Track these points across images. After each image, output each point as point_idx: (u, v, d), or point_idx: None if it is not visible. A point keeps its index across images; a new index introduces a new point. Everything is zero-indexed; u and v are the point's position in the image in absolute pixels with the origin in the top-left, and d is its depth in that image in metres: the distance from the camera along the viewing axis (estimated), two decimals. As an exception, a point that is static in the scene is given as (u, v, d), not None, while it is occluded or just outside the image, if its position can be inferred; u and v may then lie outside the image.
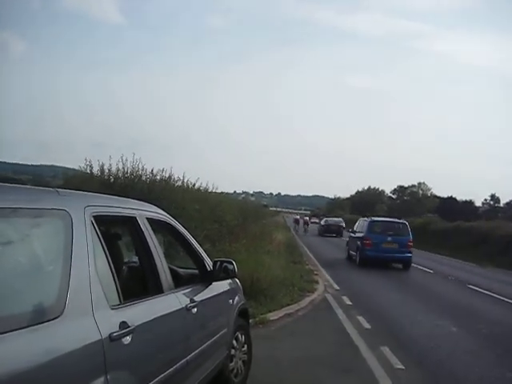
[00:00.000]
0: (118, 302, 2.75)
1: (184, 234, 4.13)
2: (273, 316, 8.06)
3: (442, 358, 6.38)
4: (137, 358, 2.75)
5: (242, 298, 5.05)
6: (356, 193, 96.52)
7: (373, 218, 19.64)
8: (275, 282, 9.82)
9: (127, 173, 12.24)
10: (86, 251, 2.49)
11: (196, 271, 4.34)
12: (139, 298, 3.07)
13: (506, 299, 11.92)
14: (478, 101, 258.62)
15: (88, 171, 12.21)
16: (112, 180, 12.21)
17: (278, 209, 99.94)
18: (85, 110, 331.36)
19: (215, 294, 4.23)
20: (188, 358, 3.46)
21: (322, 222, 45.91)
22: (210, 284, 4.17)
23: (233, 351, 4.58)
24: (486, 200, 73.51)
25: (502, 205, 70.43)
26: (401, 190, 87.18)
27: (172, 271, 3.70)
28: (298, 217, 48.95)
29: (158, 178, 12.86)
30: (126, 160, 12.22)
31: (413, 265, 18.73)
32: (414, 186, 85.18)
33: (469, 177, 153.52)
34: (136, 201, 3.69)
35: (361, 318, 8.45)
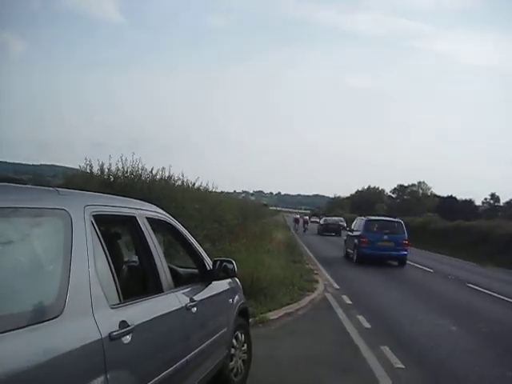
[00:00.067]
0: (118, 302, 2.75)
1: (184, 233, 4.13)
2: (273, 315, 8.07)
3: (442, 357, 6.38)
4: (137, 358, 2.75)
5: (242, 297, 5.05)
6: (356, 192, 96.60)
7: (369, 217, 20.22)
8: (275, 282, 9.82)
9: (127, 172, 12.24)
10: (85, 250, 2.49)
11: (196, 270, 4.34)
12: (139, 297, 3.07)
13: (506, 298, 11.92)
14: (477, 101, 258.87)
15: (88, 171, 12.21)
16: (112, 179, 12.21)
17: (278, 208, 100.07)
18: (85, 110, 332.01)
19: (215, 293, 4.23)
20: (188, 357, 3.46)
21: (321, 222, 46.13)
22: (210, 283, 4.18)
23: (233, 350, 4.58)
24: (485, 199, 73.68)
25: (501, 204, 70.51)
26: (401, 189, 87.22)
27: (172, 271, 3.70)
28: (298, 216, 49.10)
29: (158, 177, 12.87)
30: (126, 159, 12.24)
31: (413, 264, 18.90)
32: (413, 185, 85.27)
33: (469, 177, 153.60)
34: (136, 200, 3.69)
35: (361, 318, 8.46)
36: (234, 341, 4.61)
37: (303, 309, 9.14)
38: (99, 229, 2.73)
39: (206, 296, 3.99)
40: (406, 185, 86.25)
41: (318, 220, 53.62)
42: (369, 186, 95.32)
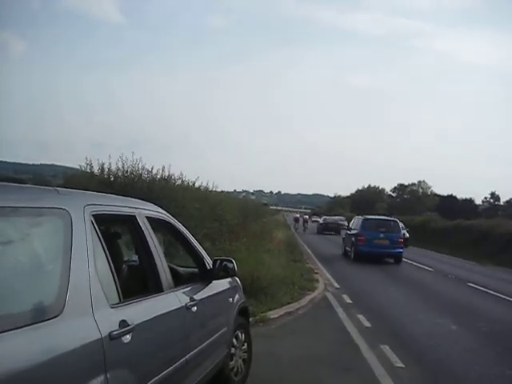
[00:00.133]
0: (118, 301, 2.75)
1: (184, 232, 4.13)
2: (273, 314, 8.07)
3: (442, 356, 6.38)
4: (137, 357, 2.75)
5: (242, 296, 5.05)
6: (356, 191, 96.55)
7: (366, 216, 20.88)
8: (275, 281, 9.82)
9: (127, 172, 12.25)
10: (85, 250, 2.49)
11: (196, 270, 4.34)
12: (139, 296, 3.06)
13: (507, 297, 11.92)
14: (477, 101, 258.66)
15: (88, 170, 12.21)
16: (112, 179, 12.21)
17: (278, 207, 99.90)
18: (85, 110, 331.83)
19: (215, 292, 4.23)
20: (188, 356, 3.46)
21: (321, 221, 46.55)
22: (210, 283, 4.18)
23: (233, 350, 4.58)
24: (485, 198, 73.65)
25: (502, 203, 70.50)
26: (401, 188, 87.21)
27: (172, 270, 3.70)
28: (298, 215, 49.31)
29: (158, 176, 12.87)
30: (126, 159, 12.24)
31: (413, 263, 19.01)
32: (414, 184, 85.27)
33: (469, 176, 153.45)
34: (136, 199, 3.69)
35: (361, 317, 8.46)
36: (234, 340, 4.60)
37: (303, 308, 9.15)
38: (99, 228, 2.73)
39: (206, 295, 3.99)
40: (406, 184, 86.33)
41: (318, 219, 53.64)
42: (369, 186, 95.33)
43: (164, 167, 13.12)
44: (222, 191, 21.99)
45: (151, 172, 12.69)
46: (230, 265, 4.28)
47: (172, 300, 3.40)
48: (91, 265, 2.49)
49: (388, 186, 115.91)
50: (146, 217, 3.43)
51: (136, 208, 3.40)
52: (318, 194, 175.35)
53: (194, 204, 12.65)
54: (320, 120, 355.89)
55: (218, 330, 4.20)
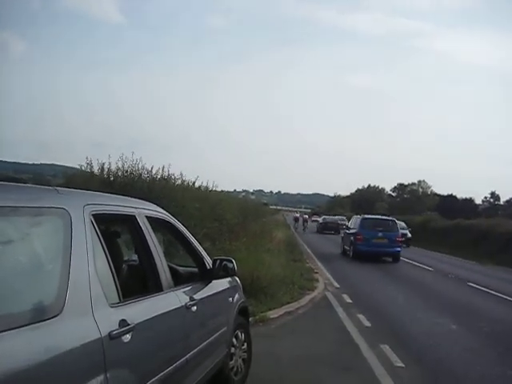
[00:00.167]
0: (118, 301, 2.74)
1: (183, 232, 4.13)
2: (273, 314, 8.07)
3: (442, 356, 6.38)
4: (136, 356, 2.74)
5: (242, 296, 5.05)
6: (356, 191, 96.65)
7: (364, 216, 21.14)
8: (275, 280, 9.82)
9: (127, 171, 12.25)
10: (85, 249, 2.49)
11: (196, 269, 4.33)
12: (139, 296, 3.06)
13: (507, 297, 11.90)
14: (477, 100, 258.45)
15: (88, 170, 12.21)
16: (112, 179, 12.21)
17: (278, 207, 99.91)
18: (85, 110, 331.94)
19: (215, 292, 4.23)
20: (188, 356, 3.45)
21: (321, 220, 46.80)
22: (210, 282, 4.17)
23: (233, 349, 4.58)
24: (485, 198, 73.74)
25: (502, 202, 70.55)
26: (401, 187, 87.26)
27: (171, 269, 3.70)
28: (298, 215, 49.36)
29: (158, 176, 12.87)
30: (126, 159, 12.24)
31: (413, 262, 19.04)
32: (414, 184, 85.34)
33: (469, 176, 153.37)
34: (135, 199, 3.69)
35: (361, 316, 8.45)
36: (234, 340, 4.60)
37: (303, 308, 9.14)
38: (99, 228, 2.73)
39: (205, 295, 3.99)
40: (406, 183, 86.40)
41: (318, 219, 53.67)
42: (369, 185, 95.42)
43: (164, 167, 13.15)
44: (222, 191, 22.02)
45: (151, 172, 12.72)
46: (230, 264, 4.28)
47: (172, 299, 3.39)
48: (91, 264, 2.49)
49: (388, 185, 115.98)
50: (146, 216, 3.43)
51: (136, 208, 3.40)
52: (317, 194, 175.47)
53: (193, 204, 12.65)
54: (320, 120, 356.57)
55: (218, 330, 4.20)
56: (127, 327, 2.63)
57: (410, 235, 29.35)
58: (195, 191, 14.62)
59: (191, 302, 3.62)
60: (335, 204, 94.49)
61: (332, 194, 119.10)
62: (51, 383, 2.10)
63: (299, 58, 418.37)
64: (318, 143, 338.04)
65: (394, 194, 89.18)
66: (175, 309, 3.38)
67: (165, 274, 3.40)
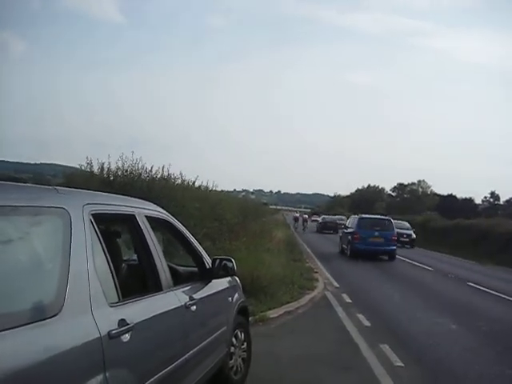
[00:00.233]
0: (117, 300, 2.75)
1: (183, 231, 4.13)
2: (273, 314, 8.07)
3: (442, 355, 6.38)
4: (136, 356, 2.74)
5: (242, 295, 5.05)
6: (356, 191, 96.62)
7: (362, 215, 21.75)
8: (275, 280, 9.82)
9: (127, 171, 12.25)
10: (84, 249, 2.49)
11: (195, 269, 4.34)
12: (138, 295, 3.06)
13: (506, 297, 11.91)
14: (477, 100, 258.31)
15: (88, 170, 12.21)
16: (112, 178, 12.22)
17: (278, 207, 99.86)
18: (85, 109, 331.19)
19: (214, 291, 4.23)
20: (187, 355, 3.46)
21: (320, 220, 46.97)
22: (210, 282, 4.18)
23: (232, 349, 4.58)
24: (485, 198, 73.68)
25: (501, 202, 70.52)
26: (400, 187, 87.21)
27: (171, 269, 3.70)
28: (298, 215, 49.53)
29: (158, 176, 12.87)
30: (126, 158, 12.24)
31: (413, 262, 19.09)
32: (413, 183, 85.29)
33: (469, 176, 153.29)
34: (135, 199, 3.70)
35: (360, 316, 8.46)
36: (233, 339, 4.61)
37: (303, 307, 9.15)
38: (98, 227, 2.73)
39: (205, 294, 3.99)
40: (405, 183, 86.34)
41: (318, 219, 53.72)
42: (369, 185, 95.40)
43: (164, 167, 13.15)
44: (222, 191, 22.03)
45: (151, 171, 12.71)
46: (230, 264, 4.28)
47: (171, 299, 3.40)
48: (90, 264, 2.49)
49: (388, 185, 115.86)
50: (146, 216, 3.43)
51: (135, 207, 3.40)
52: (317, 194, 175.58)
53: (193, 203, 12.65)
54: (320, 120, 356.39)
55: (218, 329, 4.20)
56: (126, 327, 2.63)
57: (414, 236, 29.05)
58: (195, 191, 14.62)
59: (191, 302, 3.62)
60: (335, 204, 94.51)
61: (332, 194, 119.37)
62: (50, 382, 2.10)
63: (299, 58, 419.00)
64: (317, 143, 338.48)
65: (393, 194, 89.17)
66: (175, 308, 3.38)
67: (164, 274, 3.40)
